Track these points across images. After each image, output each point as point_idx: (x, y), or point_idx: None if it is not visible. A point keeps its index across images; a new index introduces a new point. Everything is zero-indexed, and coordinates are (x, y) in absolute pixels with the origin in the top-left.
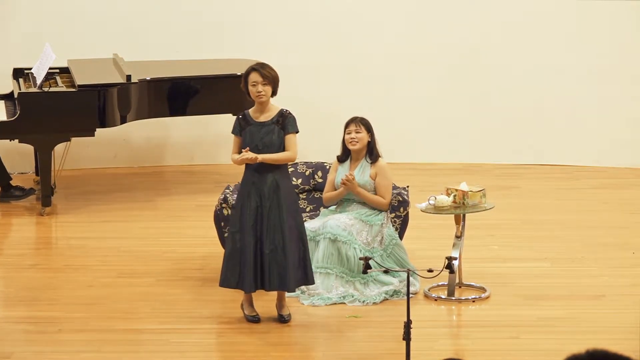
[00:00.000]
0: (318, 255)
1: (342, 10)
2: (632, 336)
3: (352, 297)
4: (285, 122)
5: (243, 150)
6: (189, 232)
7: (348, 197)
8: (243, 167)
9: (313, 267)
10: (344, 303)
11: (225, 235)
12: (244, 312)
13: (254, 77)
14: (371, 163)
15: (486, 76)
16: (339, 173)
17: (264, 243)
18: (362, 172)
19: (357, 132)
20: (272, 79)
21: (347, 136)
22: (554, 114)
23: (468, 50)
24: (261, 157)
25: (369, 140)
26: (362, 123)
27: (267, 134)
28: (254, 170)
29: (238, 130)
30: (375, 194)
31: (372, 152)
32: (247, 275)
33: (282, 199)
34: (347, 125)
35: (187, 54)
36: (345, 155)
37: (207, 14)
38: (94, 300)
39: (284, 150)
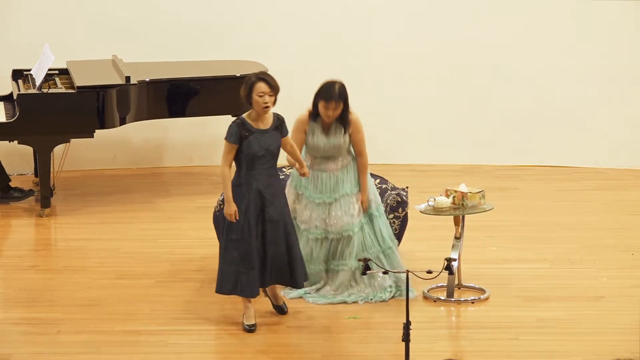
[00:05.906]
0: (331, 253)
1: (340, 11)
2: (631, 337)
3: (353, 296)
4: (282, 127)
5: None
6: (188, 234)
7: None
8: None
9: (332, 265)
10: (345, 302)
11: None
12: (243, 323)
13: (262, 87)
14: (343, 131)
15: (485, 77)
16: (315, 134)
17: (266, 242)
18: (335, 133)
19: (334, 110)
20: (277, 90)
21: (324, 111)
22: (554, 115)
23: (467, 51)
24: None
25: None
26: (341, 99)
27: (271, 140)
28: (255, 173)
29: (237, 138)
30: (354, 150)
31: (344, 121)
32: (257, 279)
33: (280, 197)
34: (326, 99)
35: (186, 56)
36: (316, 114)
37: (205, 15)
38: (92, 302)
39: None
